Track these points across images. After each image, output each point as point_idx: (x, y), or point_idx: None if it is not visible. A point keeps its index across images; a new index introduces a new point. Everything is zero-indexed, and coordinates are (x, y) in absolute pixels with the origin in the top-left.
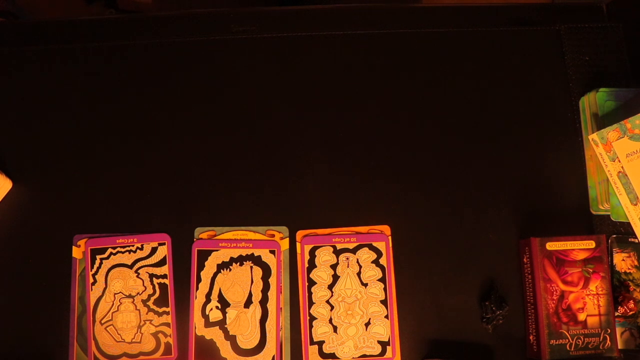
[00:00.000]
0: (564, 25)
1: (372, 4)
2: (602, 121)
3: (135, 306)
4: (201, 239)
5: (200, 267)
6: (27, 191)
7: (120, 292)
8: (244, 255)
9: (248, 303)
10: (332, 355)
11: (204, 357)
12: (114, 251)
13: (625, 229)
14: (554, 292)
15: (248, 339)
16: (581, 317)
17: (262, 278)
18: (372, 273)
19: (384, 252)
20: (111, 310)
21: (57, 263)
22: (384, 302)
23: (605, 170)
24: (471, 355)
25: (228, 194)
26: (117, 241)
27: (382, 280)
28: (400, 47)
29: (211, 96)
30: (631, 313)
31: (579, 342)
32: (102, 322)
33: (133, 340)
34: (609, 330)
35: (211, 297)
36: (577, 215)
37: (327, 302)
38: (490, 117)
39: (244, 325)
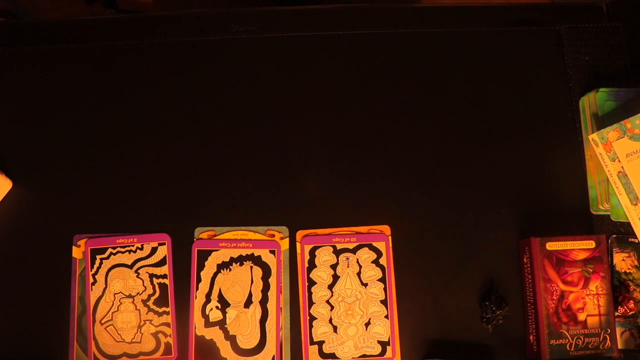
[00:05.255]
0: (564, 25)
1: (372, 4)
2: (602, 121)
3: (135, 306)
4: (201, 239)
5: (200, 267)
6: (27, 191)
7: (120, 292)
8: (244, 255)
9: (248, 303)
10: (332, 355)
11: (204, 357)
12: (114, 251)
13: (625, 229)
14: (554, 292)
15: (248, 339)
16: (581, 317)
17: (262, 278)
18: (372, 273)
19: (384, 252)
20: (111, 310)
21: (57, 263)
22: (384, 302)
23: (605, 170)
24: (471, 355)
25: (228, 194)
26: (117, 241)
27: (382, 280)
28: (400, 47)
29: (211, 96)
30: (631, 313)
31: (579, 342)
32: (102, 322)
33: (133, 340)
34: (609, 330)
35: (211, 297)
36: (577, 215)
37: (327, 302)
38: (490, 117)
39: (244, 325)
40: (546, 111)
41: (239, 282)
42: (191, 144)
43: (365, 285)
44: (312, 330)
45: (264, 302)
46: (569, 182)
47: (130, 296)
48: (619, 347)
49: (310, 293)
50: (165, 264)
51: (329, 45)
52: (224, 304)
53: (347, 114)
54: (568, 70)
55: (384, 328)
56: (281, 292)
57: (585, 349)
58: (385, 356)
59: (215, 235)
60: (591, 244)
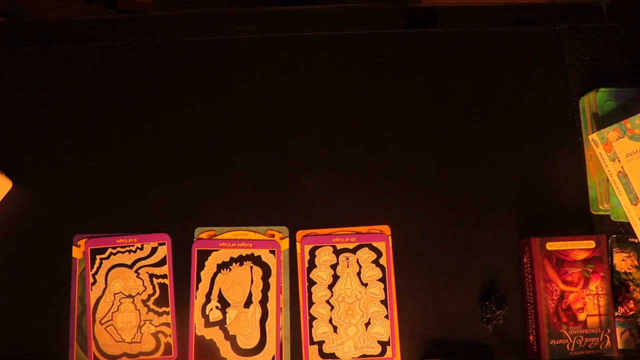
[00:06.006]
0: (564, 25)
1: (372, 4)
2: (602, 121)
3: (135, 306)
4: (201, 239)
5: (200, 267)
6: (27, 191)
7: (120, 292)
8: (244, 255)
9: (248, 303)
10: (332, 355)
11: (204, 357)
12: (114, 251)
13: (625, 229)
14: (554, 292)
15: (248, 339)
16: (581, 317)
17: (262, 278)
18: (372, 273)
19: (384, 252)
20: (111, 310)
21: (57, 263)
22: (384, 302)
23: (605, 170)
24: (471, 355)
25: (228, 194)
26: (117, 241)
27: (382, 280)
28: (400, 47)
29: (211, 96)
30: (631, 313)
31: (579, 342)
32: (102, 322)
33: (133, 340)
34: (609, 330)
35: (211, 297)
36: (577, 215)
37: (327, 302)
38: (490, 117)
39: (244, 325)
40: (546, 111)
41: (239, 282)
42: (191, 144)
43: (365, 285)
44: (312, 330)
45: (264, 302)
46: (569, 182)
47: (130, 296)
48: (619, 347)
49: (310, 293)
50: (165, 264)
51: (329, 45)
52: (224, 304)
53: (347, 114)
54: (568, 70)
55: (384, 328)
56: (281, 292)
57: (585, 349)
58: (385, 356)
59: (215, 235)
60: (591, 244)
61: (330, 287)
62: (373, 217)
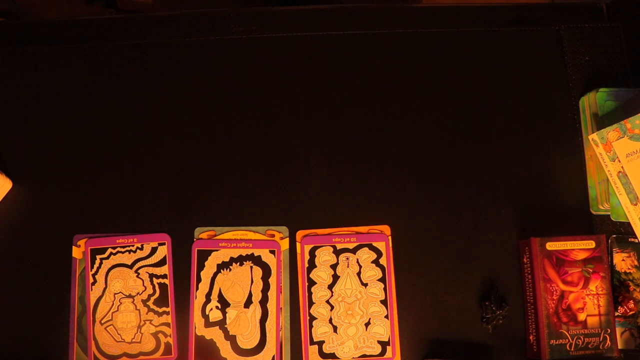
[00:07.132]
0: (564, 25)
1: (372, 4)
2: (602, 121)
3: (135, 306)
4: (201, 239)
5: (200, 267)
6: (27, 191)
7: (120, 292)
8: (244, 255)
9: (248, 303)
10: (332, 355)
11: (204, 357)
12: (114, 251)
13: (625, 229)
14: (554, 292)
15: (248, 339)
16: (581, 317)
17: (262, 278)
18: (372, 273)
19: (384, 252)
20: (111, 310)
21: (57, 263)
22: (384, 302)
23: (605, 170)
24: (471, 355)
25: (228, 194)
26: (117, 241)
27: (382, 280)
28: (400, 47)
29: (211, 96)
30: (631, 313)
31: (579, 342)
32: (102, 322)
33: (133, 340)
34: (609, 330)
35: (211, 297)
36: (577, 215)
37: (327, 302)
38: (490, 117)
39: (244, 325)
40: (546, 111)
41: (239, 282)
42: (191, 143)
43: (365, 285)
44: (312, 330)
45: (264, 302)
46: (569, 182)
47: (130, 296)
48: (619, 347)
49: (310, 293)
50: (165, 264)
51: (329, 45)
52: (224, 304)
53: (347, 114)
54: (568, 70)
55: (384, 328)
56: (281, 292)
57: (585, 349)
58: (385, 356)
59: (215, 235)
60: (591, 244)
61: (330, 287)
62: (373, 217)
